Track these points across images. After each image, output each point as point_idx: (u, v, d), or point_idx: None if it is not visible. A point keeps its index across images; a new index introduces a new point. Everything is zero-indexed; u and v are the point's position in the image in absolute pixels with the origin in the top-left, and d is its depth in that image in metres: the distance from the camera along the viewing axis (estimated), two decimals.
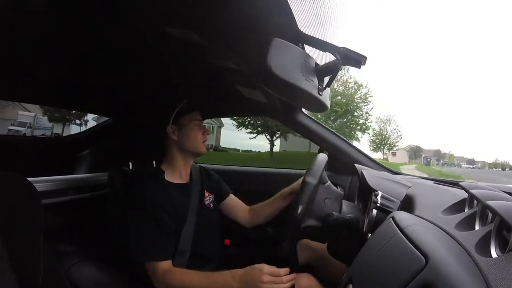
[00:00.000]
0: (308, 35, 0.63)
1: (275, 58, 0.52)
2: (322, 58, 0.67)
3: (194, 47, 0.75)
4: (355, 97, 18.21)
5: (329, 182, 0.90)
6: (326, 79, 0.65)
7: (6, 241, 0.59)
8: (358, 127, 18.11)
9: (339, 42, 0.61)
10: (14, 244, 0.60)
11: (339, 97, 17.76)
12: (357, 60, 0.59)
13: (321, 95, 0.64)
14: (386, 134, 22.70)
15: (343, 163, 1.31)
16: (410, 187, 0.86)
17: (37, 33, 0.65)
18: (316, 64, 0.62)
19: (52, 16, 0.59)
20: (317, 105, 0.69)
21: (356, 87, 18.40)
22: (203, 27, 0.64)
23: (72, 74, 0.95)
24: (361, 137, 18.84)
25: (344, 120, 17.75)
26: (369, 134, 19.27)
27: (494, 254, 0.41)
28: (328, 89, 0.68)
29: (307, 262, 1.08)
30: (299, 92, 0.59)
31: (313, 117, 1.37)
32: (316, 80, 0.62)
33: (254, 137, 15.51)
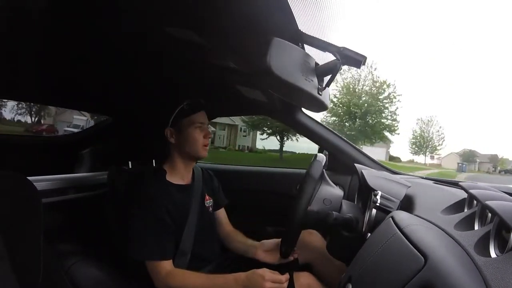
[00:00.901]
0: (308, 35, 0.63)
1: (275, 58, 0.52)
2: (322, 58, 0.67)
3: (194, 47, 0.75)
4: (381, 97, 17.20)
5: (329, 181, 0.90)
6: (326, 79, 0.65)
7: (6, 241, 0.59)
8: (383, 127, 17.05)
9: (339, 42, 0.61)
10: (14, 243, 0.60)
11: (364, 97, 16.93)
12: (357, 60, 0.59)
13: (320, 94, 0.64)
14: (428, 136, 20.60)
15: (343, 163, 1.31)
16: (409, 187, 0.86)
17: (37, 33, 0.65)
18: (316, 64, 0.63)
19: (52, 16, 0.59)
20: (317, 105, 0.69)
21: (383, 87, 17.31)
22: (203, 27, 0.64)
23: (72, 73, 0.96)
24: (388, 137, 17.76)
25: (369, 121, 16.81)
26: (398, 134, 18.25)
27: (493, 254, 0.41)
28: (328, 89, 0.68)
29: (306, 261, 1.08)
30: (299, 92, 0.59)
31: (329, 117, 1.36)
32: (316, 80, 0.62)
33: (266, 138, 15.24)
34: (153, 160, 1.39)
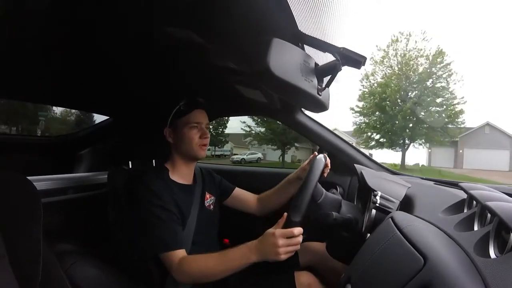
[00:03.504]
0: (308, 35, 0.63)
1: (274, 58, 0.52)
2: (322, 58, 0.67)
3: (194, 47, 0.75)
4: (434, 75, 13.06)
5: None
6: (326, 80, 0.65)
7: (6, 240, 0.59)
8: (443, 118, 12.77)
9: (339, 43, 0.61)
10: (14, 243, 0.60)
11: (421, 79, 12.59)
12: (357, 60, 0.59)
13: (320, 95, 0.64)
14: None
15: (343, 163, 1.31)
16: (409, 187, 0.86)
17: (38, 32, 0.65)
18: (316, 64, 0.63)
19: (52, 15, 0.60)
20: (317, 105, 0.69)
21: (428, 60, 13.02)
22: (203, 27, 0.64)
23: (72, 73, 0.96)
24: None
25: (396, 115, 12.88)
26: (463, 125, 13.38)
27: (492, 254, 0.41)
28: (328, 89, 0.68)
29: (307, 263, 1.08)
30: (299, 92, 0.59)
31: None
32: (315, 81, 0.62)
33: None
34: (153, 160, 1.39)
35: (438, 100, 13.16)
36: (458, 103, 13.18)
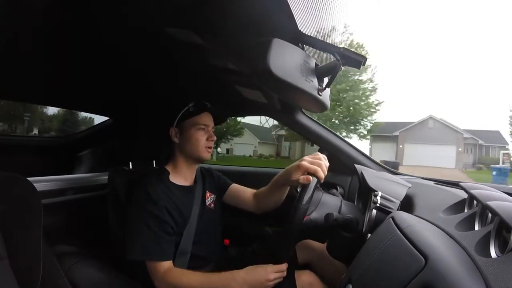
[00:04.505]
0: (308, 35, 0.63)
1: (275, 59, 0.52)
2: (322, 58, 0.67)
3: (194, 48, 0.75)
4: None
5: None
6: (326, 80, 0.65)
7: (6, 241, 0.59)
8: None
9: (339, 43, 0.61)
10: (14, 244, 0.60)
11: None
12: (357, 60, 0.59)
13: (320, 95, 0.64)
14: None
15: (343, 163, 1.31)
16: (410, 187, 0.86)
17: (37, 32, 0.65)
18: (316, 64, 0.63)
19: (52, 15, 0.60)
20: (317, 106, 0.69)
21: None
22: (203, 28, 0.64)
23: (72, 74, 0.96)
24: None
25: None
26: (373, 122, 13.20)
27: (493, 254, 0.41)
28: (328, 90, 0.68)
29: (306, 261, 1.08)
30: (299, 93, 0.59)
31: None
32: (315, 81, 0.62)
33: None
34: (153, 161, 1.39)
35: (355, 94, 12.69)
36: (365, 97, 12.80)
